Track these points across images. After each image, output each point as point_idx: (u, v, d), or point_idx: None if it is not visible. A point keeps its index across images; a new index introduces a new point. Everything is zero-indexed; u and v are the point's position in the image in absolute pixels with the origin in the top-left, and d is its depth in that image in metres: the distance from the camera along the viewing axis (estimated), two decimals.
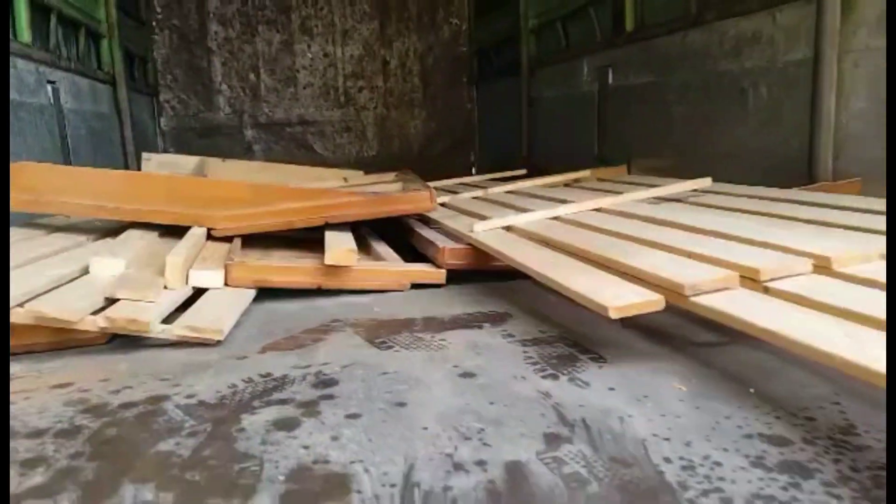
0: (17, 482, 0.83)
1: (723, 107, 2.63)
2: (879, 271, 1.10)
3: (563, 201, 2.08)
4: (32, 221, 2.14)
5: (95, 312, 1.35)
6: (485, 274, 1.79)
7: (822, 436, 0.88)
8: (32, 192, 2.02)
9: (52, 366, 1.26)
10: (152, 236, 1.96)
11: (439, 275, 1.79)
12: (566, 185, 2.70)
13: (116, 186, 2.05)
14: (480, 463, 0.84)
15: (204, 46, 5.48)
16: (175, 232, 1.99)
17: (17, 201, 1.99)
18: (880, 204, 1.61)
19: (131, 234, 1.91)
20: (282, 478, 0.82)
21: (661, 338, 1.25)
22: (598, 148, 3.61)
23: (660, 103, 3.08)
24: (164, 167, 3.26)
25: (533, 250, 1.58)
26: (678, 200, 1.99)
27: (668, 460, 0.83)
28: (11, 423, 0.99)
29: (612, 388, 1.05)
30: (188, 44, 5.46)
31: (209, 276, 1.59)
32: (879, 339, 0.89)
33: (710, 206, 1.79)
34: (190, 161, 3.33)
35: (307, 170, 3.47)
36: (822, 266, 1.14)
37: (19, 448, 0.91)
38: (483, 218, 1.96)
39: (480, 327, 1.40)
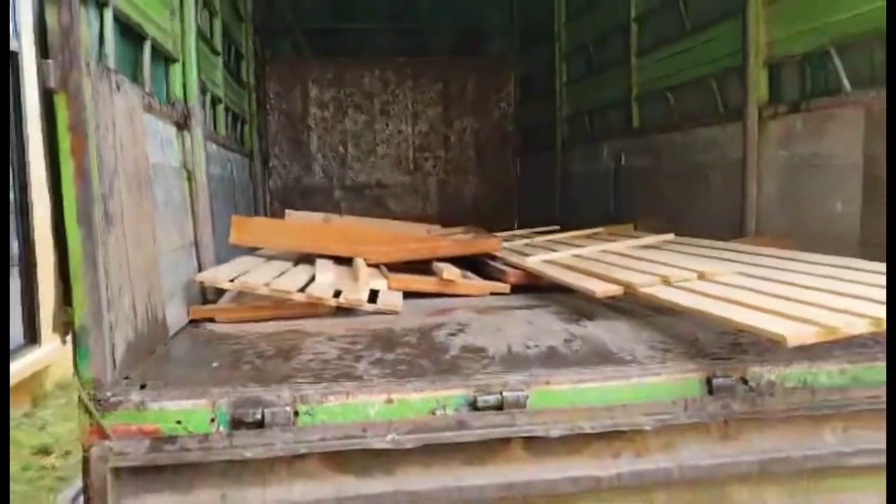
0: (355, 345, 2.06)
1: (695, 186, 3.84)
2: (731, 279, 2.30)
3: (583, 245, 3.31)
4: (251, 253, 3.43)
5: (336, 296, 2.60)
6: (532, 289, 2.99)
7: (683, 342, 2.06)
8: (255, 235, 3.32)
9: (319, 321, 2.50)
10: (331, 262, 3.22)
11: (506, 288, 3.00)
12: (587, 236, 3.91)
13: (306, 232, 3.35)
14: (537, 346, 2.05)
15: (305, 124, 6.92)
16: (341, 261, 3.26)
17: (247, 240, 3.28)
18: (769, 251, 2.78)
19: (321, 262, 3.18)
20: (458, 348, 2.05)
21: (623, 311, 2.45)
22: (613, 210, 4.82)
23: (656, 181, 4.30)
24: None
25: (564, 271, 2.80)
26: (654, 247, 3.20)
27: (613, 348, 2.03)
28: (330, 332, 2.23)
29: (596, 327, 2.25)
30: (293, 122, 6.90)
31: (381, 283, 2.84)
32: (720, 306, 2.06)
33: (666, 250, 3.00)
34: (318, 216, 4.64)
35: (399, 223, 4.75)
36: (702, 276, 2.33)
37: (351, 340, 2.15)
38: (532, 255, 3.19)
39: (532, 310, 2.61)
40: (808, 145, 2.96)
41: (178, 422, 1.66)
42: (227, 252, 3.30)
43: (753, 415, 1.84)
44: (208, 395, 1.69)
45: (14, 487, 4.11)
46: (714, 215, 3.59)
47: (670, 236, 3.27)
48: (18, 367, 5.29)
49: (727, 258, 2.64)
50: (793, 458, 1.84)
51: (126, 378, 1.75)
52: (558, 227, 4.37)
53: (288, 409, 1.68)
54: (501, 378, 1.81)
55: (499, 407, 1.75)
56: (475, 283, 3.01)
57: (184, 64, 2.87)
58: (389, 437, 1.70)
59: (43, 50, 1.56)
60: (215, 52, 4.00)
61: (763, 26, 3.21)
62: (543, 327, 2.30)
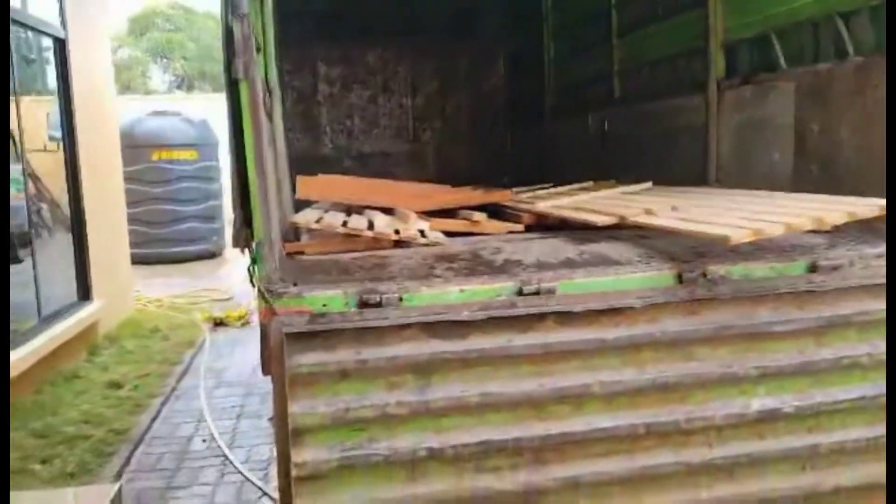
0: (426, 260, 2.85)
1: (669, 145, 4.66)
2: (695, 209, 3.12)
3: (578, 195, 4.12)
4: (310, 206, 4.18)
5: (397, 233, 3.37)
6: (542, 227, 3.80)
7: (662, 252, 2.89)
8: (315, 191, 4.07)
9: (384, 252, 3.27)
10: (378, 212, 3.98)
11: (521, 227, 3.80)
12: (579, 189, 4.72)
13: (356, 188, 4.10)
14: (558, 257, 2.86)
15: (315, 100, 7.62)
16: (384, 211, 4.02)
17: (308, 195, 4.03)
18: (723, 191, 3.61)
19: (369, 212, 3.94)
20: (502, 260, 2.85)
21: (618, 238, 3.26)
22: (596, 172, 5.61)
23: (635, 143, 5.11)
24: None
25: (569, 211, 3.61)
26: (637, 193, 4.02)
27: (613, 256, 2.85)
28: (402, 255, 3.01)
29: (599, 246, 3.06)
30: (304, 98, 7.59)
31: (426, 225, 3.61)
32: (687, 224, 2.89)
33: (647, 194, 3.82)
34: (345, 179, 5.37)
35: (420, 184, 5.50)
36: (674, 208, 3.16)
37: (422, 258, 2.93)
38: (538, 202, 3.99)
39: (547, 239, 3.41)
40: (755, 110, 3.79)
41: (324, 304, 2.44)
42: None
43: (710, 297, 2.66)
44: (342, 287, 2.48)
45: (102, 412, 4.88)
46: (682, 170, 4.42)
47: (649, 185, 4.10)
48: (76, 321, 6.02)
49: (693, 197, 3.47)
50: (737, 326, 2.67)
51: (281, 279, 2.52)
52: (552, 185, 5.16)
53: (396, 295, 2.47)
54: (538, 275, 2.61)
55: (537, 293, 2.55)
56: (497, 223, 3.81)
57: (265, 51, 3.59)
58: (465, 313, 2.50)
59: (230, 51, 2.31)
60: None
61: (720, 16, 4.02)
62: (559, 247, 3.11)
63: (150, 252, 11.06)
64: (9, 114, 3.43)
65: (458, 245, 3.29)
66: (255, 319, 7.60)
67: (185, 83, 30.52)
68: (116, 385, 5.36)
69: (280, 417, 2.38)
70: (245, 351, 6.58)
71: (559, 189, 4.70)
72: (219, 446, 4.38)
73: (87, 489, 3.68)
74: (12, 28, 5.28)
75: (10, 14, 5.18)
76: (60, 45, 6.08)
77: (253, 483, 3.83)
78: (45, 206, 6.04)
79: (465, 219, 3.81)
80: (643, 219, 3.05)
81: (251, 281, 2.73)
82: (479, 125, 7.96)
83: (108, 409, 4.89)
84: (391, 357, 2.46)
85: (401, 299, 2.48)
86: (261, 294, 2.41)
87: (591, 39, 5.78)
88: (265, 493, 3.75)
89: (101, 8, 7.26)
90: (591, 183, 4.75)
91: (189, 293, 8.91)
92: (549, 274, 2.61)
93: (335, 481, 2.43)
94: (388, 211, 3.99)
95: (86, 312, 6.21)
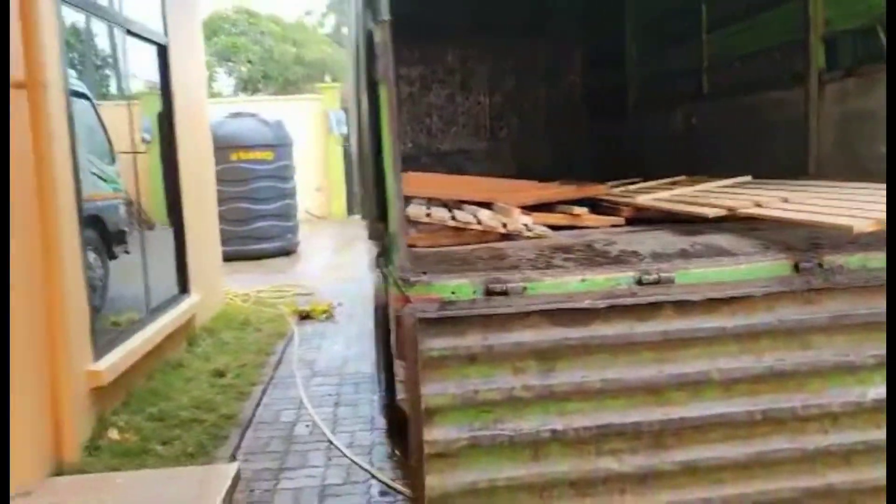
0: (543, 252, 2.97)
1: (762, 139, 4.64)
2: (807, 200, 3.14)
3: (674, 189, 4.16)
4: (412, 202, 4.34)
5: (504, 226, 3.49)
6: (642, 221, 3.85)
7: (777, 242, 2.92)
8: (414, 187, 4.23)
9: (494, 244, 3.39)
10: (475, 207, 4.11)
11: (621, 221, 3.87)
12: (672, 183, 4.75)
13: (453, 184, 4.25)
14: (671, 249, 2.92)
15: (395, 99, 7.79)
16: (481, 205, 4.15)
17: (407, 191, 4.19)
18: (831, 183, 3.60)
19: (468, 206, 4.08)
20: (618, 251, 2.94)
21: (726, 229, 3.30)
22: (684, 167, 5.61)
23: (725, 137, 5.09)
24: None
25: (673, 204, 3.66)
26: (737, 186, 4.04)
27: (727, 247, 2.90)
28: (515, 247, 3.13)
29: (710, 238, 3.11)
30: None
31: (527, 219, 3.72)
32: (804, 215, 2.92)
33: (749, 187, 3.84)
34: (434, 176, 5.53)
35: (509, 181, 5.62)
36: (784, 199, 3.18)
37: (537, 250, 3.05)
38: (636, 195, 4.05)
39: (652, 232, 3.47)
40: (859, 102, 3.76)
41: (453, 293, 2.57)
42: None
43: (827, 287, 2.69)
44: (469, 276, 2.61)
45: (211, 398, 5.16)
46: (776, 163, 4.39)
47: (748, 178, 4.12)
48: (178, 313, 6.34)
49: (799, 189, 3.48)
50: (854, 315, 2.70)
51: (411, 269, 2.68)
52: (641, 179, 5.21)
53: (520, 284, 2.59)
54: (655, 265, 2.69)
55: (656, 282, 2.63)
56: (599, 217, 3.89)
57: None
58: (587, 301, 2.60)
59: (371, 55, 2.47)
60: None
61: (821, 7, 4.00)
62: (669, 240, 3.17)
63: (230, 249, 11.47)
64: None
65: (568, 237, 3.39)
66: (338, 313, 7.87)
67: (249, 86, 31.35)
68: (219, 373, 5.64)
69: (413, 398, 2.53)
70: (333, 343, 6.83)
71: (652, 183, 4.75)
72: (322, 432, 4.59)
73: (210, 468, 3.94)
74: (125, 36, 5.64)
75: (125, 24, 5.53)
76: (161, 51, 6.42)
77: (361, 467, 4.02)
78: (139, 205, 6.40)
79: (563, 213, 3.91)
80: (755, 210, 3.09)
81: (381, 271, 2.90)
82: (555, 122, 8.00)
83: (216, 396, 5.15)
84: (516, 343, 2.58)
85: (524, 288, 2.60)
86: (394, 282, 2.56)
87: (677, 35, 5.79)
88: (373, 476, 3.92)
89: (194, 13, 7.62)
90: (683, 177, 4.77)
91: (272, 288, 9.25)
92: (666, 264, 2.69)
93: (464, 459, 2.57)
94: (484, 205, 4.13)
95: (186, 305, 6.54)
